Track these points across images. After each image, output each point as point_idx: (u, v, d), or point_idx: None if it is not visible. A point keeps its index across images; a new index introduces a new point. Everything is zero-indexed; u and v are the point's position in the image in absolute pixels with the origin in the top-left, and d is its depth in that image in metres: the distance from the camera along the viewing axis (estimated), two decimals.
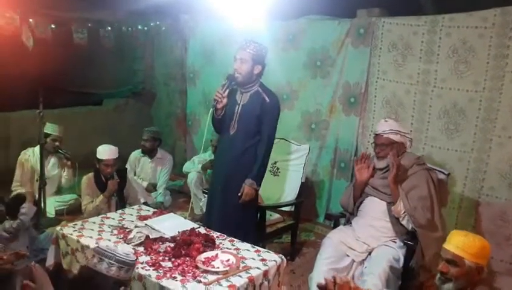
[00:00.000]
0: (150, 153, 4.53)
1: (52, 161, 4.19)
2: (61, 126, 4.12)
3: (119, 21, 5.31)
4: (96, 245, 1.85)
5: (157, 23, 5.60)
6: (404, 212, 2.69)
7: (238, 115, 2.96)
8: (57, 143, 4.10)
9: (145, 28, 5.59)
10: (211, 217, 3.12)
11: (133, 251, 1.98)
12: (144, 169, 4.60)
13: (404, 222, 2.72)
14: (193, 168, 4.44)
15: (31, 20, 4.55)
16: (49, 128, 4.04)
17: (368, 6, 3.99)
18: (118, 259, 1.75)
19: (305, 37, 4.35)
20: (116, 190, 3.47)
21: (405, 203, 2.68)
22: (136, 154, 4.60)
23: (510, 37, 3.16)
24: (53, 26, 4.74)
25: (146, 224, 2.72)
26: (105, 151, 3.48)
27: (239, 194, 2.95)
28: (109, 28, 5.23)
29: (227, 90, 2.93)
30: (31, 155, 4.09)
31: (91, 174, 3.55)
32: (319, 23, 4.30)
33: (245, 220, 3.06)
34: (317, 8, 4.34)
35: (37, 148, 4.09)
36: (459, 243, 1.84)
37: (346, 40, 4.10)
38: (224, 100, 2.94)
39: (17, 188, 3.97)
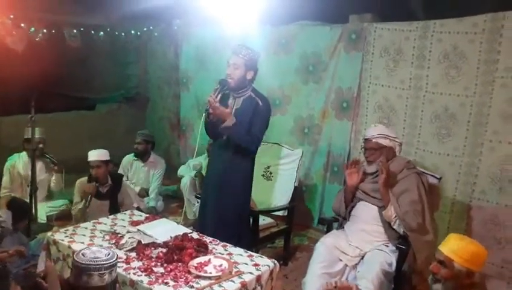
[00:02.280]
0: (142, 156, 4.52)
1: (39, 165, 4.11)
2: (41, 129, 3.97)
3: (112, 26, 5.31)
4: (75, 260, 1.70)
5: (150, 28, 5.61)
6: (396, 216, 2.70)
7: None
8: (40, 145, 3.95)
9: (138, 33, 5.60)
10: (204, 221, 3.12)
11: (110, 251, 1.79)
12: (136, 173, 4.58)
13: (395, 226, 2.73)
14: (187, 172, 4.42)
15: (23, 24, 4.53)
16: (29, 132, 3.94)
17: (360, 12, 4.03)
18: (106, 266, 1.68)
19: (297, 42, 4.38)
20: (92, 193, 3.44)
21: (396, 207, 2.69)
22: (129, 158, 4.58)
23: (500, 42, 3.20)
24: (45, 30, 4.72)
25: (138, 229, 2.70)
26: (91, 153, 3.51)
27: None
28: (102, 32, 5.23)
29: (219, 95, 2.92)
30: (17, 161, 4.04)
31: (84, 179, 3.54)
32: (311, 28, 4.33)
33: (238, 225, 3.05)
34: (309, 14, 4.37)
35: (23, 154, 4.06)
36: (452, 246, 1.88)
37: (339, 45, 4.12)
38: (217, 105, 2.94)
39: (6, 195, 3.93)
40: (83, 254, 1.71)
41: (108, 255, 1.73)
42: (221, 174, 3.02)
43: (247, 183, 3.08)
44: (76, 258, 1.70)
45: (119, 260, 2.30)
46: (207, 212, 3.11)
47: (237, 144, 2.91)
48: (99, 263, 1.68)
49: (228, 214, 3.00)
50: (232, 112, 2.94)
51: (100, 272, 1.67)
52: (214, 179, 3.08)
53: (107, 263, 1.69)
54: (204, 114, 2.94)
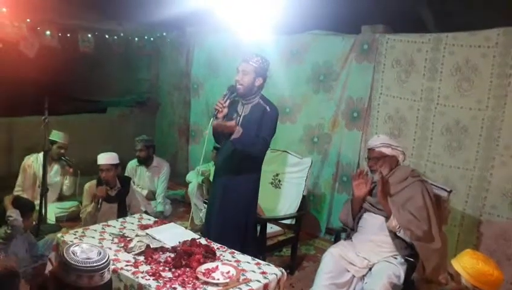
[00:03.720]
0: (146, 161, 4.54)
1: (55, 168, 4.22)
2: (67, 134, 4.13)
3: (126, 31, 5.37)
4: (63, 258, 1.59)
5: (163, 34, 5.67)
6: (399, 227, 2.69)
7: (239, 126, 2.99)
8: (62, 151, 4.12)
9: (151, 39, 5.66)
10: (210, 226, 3.13)
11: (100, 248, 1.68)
12: (141, 178, 4.61)
13: (401, 235, 2.72)
14: (195, 178, 4.45)
15: (38, 28, 4.60)
16: (56, 135, 4.05)
17: (372, 23, 4.04)
18: (95, 268, 1.58)
19: (309, 52, 4.39)
20: (103, 196, 3.45)
21: (398, 218, 2.68)
22: (132, 164, 4.61)
23: None
24: (60, 34, 4.79)
25: (147, 233, 2.72)
26: (102, 157, 3.53)
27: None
28: (115, 37, 5.30)
29: (228, 101, 2.95)
30: (34, 161, 4.10)
31: (93, 182, 3.57)
32: (323, 38, 4.35)
33: (243, 233, 3.06)
34: (321, 24, 4.39)
35: (40, 155, 4.10)
36: (463, 261, 1.90)
37: (350, 55, 4.13)
38: (225, 110, 2.95)
39: (18, 193, 3.98)
40: (73, 252, 1.60)
41: (100, 255, 1.63)
42: (227, 182, 3.03)
43: (253, 191, 3.08)
44: (66, 257, 1.58)
45: (127, 264, 2.34)
46: (212, 217, 3.12)
47: (246, 151, 2.91)
48: (86, 265, 1.57)
49: (233, 221, 3.01)
50: (240, 121, 2.96)
51: (88, 273, 1.57)
52: (220, 186, 3.09)
53: (98, 265, 1.59)
54: (212, 119, 2.96)
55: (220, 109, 2.92)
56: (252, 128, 2.92)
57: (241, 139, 2.83)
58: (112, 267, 1.71)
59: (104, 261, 1.61)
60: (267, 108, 2.96)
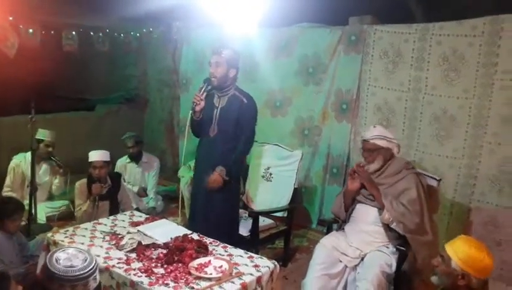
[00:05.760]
0: (137, 157, 4.52)
1: (43, 167, 4.16)
2: (53, 132, 4.08)
3: (111, 27, 5.31)
4: (48, 267, 1.49)
5: (150, 29, 5.61)
6: (392, 220, 2.71)
7: (217, 118, 3.05)
8: (50, 149, 4.05)
9: (137, 35, 5.60)
10: (194, 219, 3.18)
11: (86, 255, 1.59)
12: (132, 175, 4.58)
13: (393, 227, 2.74)
14: (187, 173, 4.43)
15: (21, 26, 4.52)
16: (42, 134, 4.00)
17: (359, 14, 4.04)
18: (77, 277, 1.48)
19: (298, 45, 4.38)
20: (99, 193, 3.43)
21: (391, 211, 2.70)
22: (122, 161, 4.58)
23: (499, 45, 3.22)
24: (44, 32, 4.72)
25: (138, 230, 2.70)
26: (94, 154, 3.51)
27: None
28: (101, 34, 5.23)
29: (205, 93, 3.02)
30: (22, 161, 4.05)
31: (84, 180, 3.53)
32: (311, 30, 4.34)
33: (229, 224, 3.12)
34: (309, 16, 4.39)
35: (28, 154, 4.05)
36: (455, 245, 1.94)
37: (338, 47, 4.13)
38: (202, 103, 3.03)
39: (7, 194, 3.94)
40: (58, 261, 1.51)
41: (85, 261, 1.53)
42: (209, 172, 3.05)
43: (236, 182, 3.12)
44: (49, 266, 1.49)
45: (119, 261, 2.33)
46: (197, 210, 3.17)
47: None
48: (69, 274, 1.49)
49: (217, 211, 3.06)
50: (218, 112, 3.05)
51: (72, 283, 1.49)
52: (202, 176, 3.12)
53: (80, 274, 1.50)
54: (190, 112, 3.00)
55: (198, 102, 3.00)
56: (230, 119, 3.01)
57: (233, 167, 3.02)
58: (97, 275, 1.59)
59: (88, 269, 1.51)
60: (244, 100, 3.03)
